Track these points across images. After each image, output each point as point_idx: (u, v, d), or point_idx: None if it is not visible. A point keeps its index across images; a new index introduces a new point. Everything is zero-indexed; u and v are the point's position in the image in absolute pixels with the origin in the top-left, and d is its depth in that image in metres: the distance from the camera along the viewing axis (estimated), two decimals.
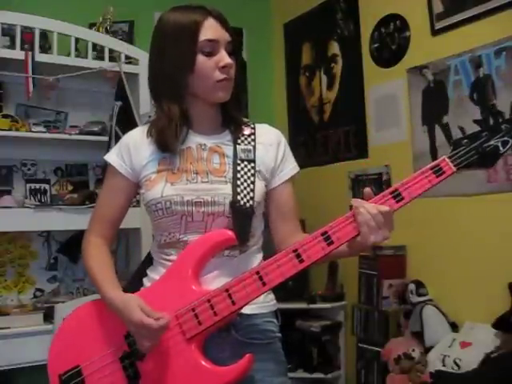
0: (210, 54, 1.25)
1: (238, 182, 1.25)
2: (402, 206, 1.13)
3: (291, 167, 1.36)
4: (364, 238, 1.11)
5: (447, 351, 2.26)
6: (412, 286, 2.58)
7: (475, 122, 2.42)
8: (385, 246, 2.77)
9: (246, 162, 1.29)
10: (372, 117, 3.04)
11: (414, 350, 2.41)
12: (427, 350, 2.37)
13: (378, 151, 2.99)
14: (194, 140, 1.31)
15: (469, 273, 2.45)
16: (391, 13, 2.91)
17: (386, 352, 2.53)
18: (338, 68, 3.32)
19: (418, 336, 2.45)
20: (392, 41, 2.91)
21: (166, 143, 1.27)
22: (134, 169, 1.32)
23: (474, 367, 2.10)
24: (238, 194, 1.24)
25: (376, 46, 3.02)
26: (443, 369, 2.20)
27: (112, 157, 1.35)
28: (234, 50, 1.30)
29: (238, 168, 1.27)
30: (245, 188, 1.25)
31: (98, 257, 1.32)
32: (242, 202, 1.24)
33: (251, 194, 1.26)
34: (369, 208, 1.10)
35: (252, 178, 1.27)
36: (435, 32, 2.64)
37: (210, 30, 1.25)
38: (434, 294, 2.56)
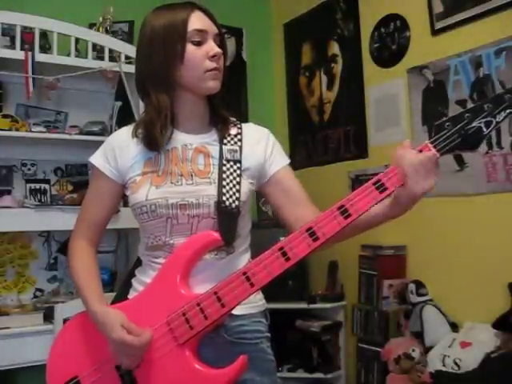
0: (199, 44, 1.26)
1: (224, 183, 1.25)
2: (385, 196, 1.12)
3: (283, 158, 1.36)
4: (413, 185, 1.08)
5: (447, 351, 2.26)
6: (412, 286, 2.58)
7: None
8: (385, 246, 2.77)
9: (231, 163, 1.28)
10: (372, 117, 3.04)
11: (413, 350, 2.41)
12: (427, 349, 2.37)
13: (377, 151, 2.99)
14: (179, 140, 1.30)
15: (469, 273, 2.45)
16: (391, 13, 2.91)
17: (386, 352, 2.52)
18: (337, 68, 3.32)
19: (418, 336, 2.45)
20: (392, 41, 2.91)
21: (154, 137, 1.25)
22: (119, 170, 1.30)
23: (474, 367, 2.10)
24: (224, 194, 1.23)
25: (376, 45, 3.02)
26: (443, 369, 2.20)
27: (97, 158, 1.33)
28: (222, 44, 1.30)
29: (224, 169, 1.27)
30: (230, 188, 1.25)
31: (83, 261, 1.31)
32: (227, 203, 1.23)
33: (237, 195, 1.25)
34: (413, 154, 1.09)
35: (238, 179, 1.27)
36: (435, 32, 2.64)
37: (198, 20, 1.27)
38: (434, 294, 2.56)
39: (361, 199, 1.12)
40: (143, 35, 1.32)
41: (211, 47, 1.26)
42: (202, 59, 1.25)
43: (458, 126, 1.09)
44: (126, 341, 1.14)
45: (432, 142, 1.10)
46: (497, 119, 1.08)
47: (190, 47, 1.25)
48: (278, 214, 1.35)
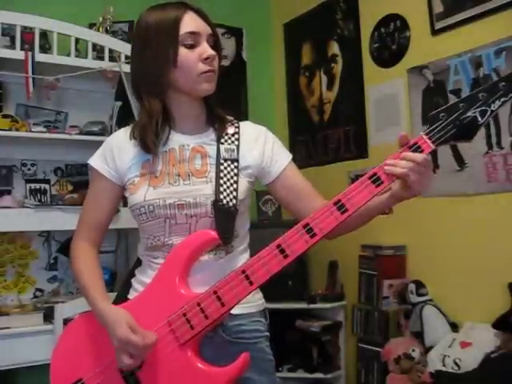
0: (192, 47, 1.25)
1: (221, 182, 1.25)
2: (381, 190, 1.13)
3: (286, 154, 1.36)
4: (414, 188, 1.11)
5: (447, 351, 2.26)
6: (412, 286, 2.58)
7: None
8: (385, 246, 2.77)
9: (229, 162, 1.28)
10: (372, 117, 3.04)
11: (414, 350, 2.41)
12: (427, 350, 2.37)
13: (377, 151, 2.99)
14: (177, 141, 1.30)
15: (469, 273, 2.45)
16: (391, 13, 2.91)
17: (386, 352, 2.52)
18: (337, 68, 3.32)
19: (418, 336, 2.45)
20: (392, 41, 2.91)
21: (147, 142, 1.26)
22: (118, 172, 1.31)
23: (474, 367, 2.10)
24: (221, 193, 1.24)
25: (376, 45, 3.02)
26: (443, 369, 2.20)
27: (95, 160, 1.34)
28: (216, 44, 1.30)
29: (221, 168, 1.27)
30: (228, 187, 1.25)
31: (86, 261, 1.31)
32: (224, 201, 1.23)
33: (234, 193, 1.25)
34: (403, 163, 1.10)
35: (235, 178, 1.27)
36: (435, 32, 2.64)
37: (191, 22, 1.25)
38: (434, 294, 2.56)
39: (357, 193, 1.12)
40: (136, 37, 1.32)
41: (204, 49, 1.25)
42: (195, 62, 1.24)
43: (453, 116, 1.08)
44: (130, 340, 1.14)
45: (427, 134, 1.10)
46: (492, 108, 1.06)
47: (182, 50, 1.24)
48: (288, 210, 1.36)
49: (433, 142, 1.09)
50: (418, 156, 1.10)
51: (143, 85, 1.29)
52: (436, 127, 1.09)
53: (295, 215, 1.34)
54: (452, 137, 1.09)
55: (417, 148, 1.10)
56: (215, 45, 1.29)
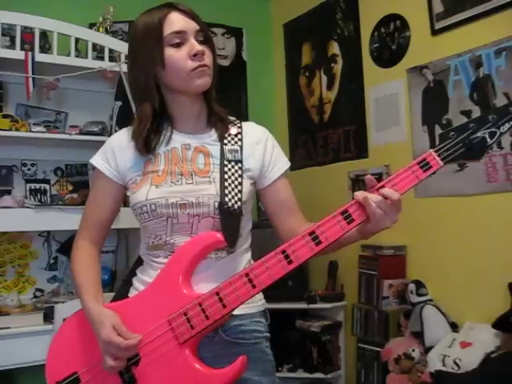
0: (179, 45, 1.24)
1: (226, 184, 1.24)
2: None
3: (283, 162, 1.35)
4: (374, 226, 1.12)
5: (447, 351, 2.26)
6: (412, 286, 2.58)
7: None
8: (385, 246, 2.77)
9: (233, 163, 1.28)
10: (372, 117, 3.04)
11: (413, 350, 2.41)
12: (427, 349, 2.37)
13: (377, 151, 2.99)
14: (179, 140, 1.30)
15: (469, 273, 2.45)
16: (391, 13, 2.91)
17: (386, 352, 2.53)
18: (337, 68, 3.32)
19: (418, 336, 2.45)
20: (392, 41, 2.91)
21: (138, 145, 1.28)
22: (119, 171, 1.31)
23: (474, 367, 2.10)
24: (226, 195, 1.23)
25: (376, 45, 3.03)
26: (443, 369, 2.20)
27: (97, 160, 1.34)
28: (207, 38, 1.29)
29: (226, 169, 1.26)
30: (232, 189, 1.25)
31: (83, 262, 1.31)
32: (230, 204, 1.23)
33: (239, 195, 1.25)
34: (373, 198, 1.10)
35: (239, 179, 1.26)
36: (435, 32, 2.64)
37: (175, 22, 1.25)
38: (434, 293, 2.56)
39: (360, 207, 1.12)
40: (129, 41, 1.34)
41: (191, 46, 1.24)
42: (184, 60, 1.24)
43: (463, 136, 1.10)
44: (112, 340, 1.15)
45: (436, 151, 1.11)
46: (501, 130, 1.09)
47: (169, 51, 1.24)
48: (269, 219, 1.37)
49: (442, 159, 1.11)
50: (394, 194, 1.10)
51: (134, 90, 1.32)
52: (446, 145, 1.11)
53: (274, 227, 1.35)
54: (461, 155, 1.11)
55: (425, 164, 1.11)
56: (206, 39, 1.28)
